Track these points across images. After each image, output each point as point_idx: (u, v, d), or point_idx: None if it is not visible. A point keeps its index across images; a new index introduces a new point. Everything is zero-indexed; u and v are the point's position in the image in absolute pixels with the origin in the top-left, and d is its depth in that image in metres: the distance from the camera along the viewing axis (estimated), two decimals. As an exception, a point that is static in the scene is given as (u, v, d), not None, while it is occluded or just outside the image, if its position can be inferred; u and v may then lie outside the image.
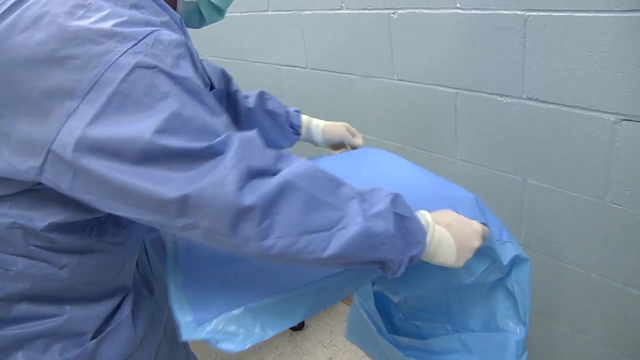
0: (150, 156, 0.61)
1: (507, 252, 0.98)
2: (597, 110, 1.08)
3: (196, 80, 0.66)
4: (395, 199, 0.74)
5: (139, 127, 0.60)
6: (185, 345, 1.16)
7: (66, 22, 0.63)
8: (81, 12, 0.64)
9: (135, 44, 0.63)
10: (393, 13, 1.43)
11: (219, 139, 0.63)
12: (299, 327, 2.10)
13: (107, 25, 0.63)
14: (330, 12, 1.64)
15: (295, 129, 1.28)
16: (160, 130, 0.60)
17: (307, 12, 1.73)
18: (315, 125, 1.30)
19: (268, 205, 0.62)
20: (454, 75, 1.34)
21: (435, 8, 1.31)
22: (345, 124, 1.30)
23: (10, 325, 0.76)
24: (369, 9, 1.50)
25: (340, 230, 0.66)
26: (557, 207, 1.24)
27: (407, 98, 1.51)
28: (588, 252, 1.23)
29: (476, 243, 0.82)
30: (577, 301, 1.31)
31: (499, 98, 1.26)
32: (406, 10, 1.39)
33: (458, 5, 1.25)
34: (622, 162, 1.08)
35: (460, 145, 1.42)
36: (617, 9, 0.97)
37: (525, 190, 1.30)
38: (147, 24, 0.67)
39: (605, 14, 0.99)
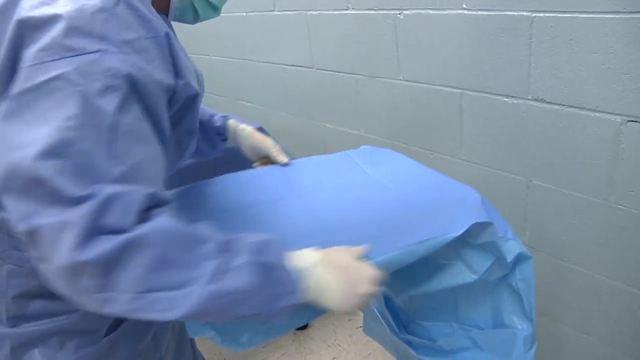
0: (20, 178, 0.57)
1: (510, 250, 0.99)
2: (603, 112, 1.08)
3: (115, 119, 0.61)
4: (263, 246, 0.69)
5: (27, 138, 0.58)
6: (192, 343, 1.17)
7: (26, 13, 0.63)
8: (43, 7, 0.64)
9: (73, 57, 0.60)
10: (399, 14, 1.44)
11: (88, 190, 0.57)
12: (303, 326, 2.10)
13: (60, 26, 0.62)
14: (336, 12, 1.64)
15: (221, 135, 1.21)
16: (44, 154, 0.57)
17: (313, 13, 1.74)
18: (241, 129, 1.23)
19: (108, 262, 0.57)
20: (460, 76, 1.35)
21: (442, 9, 1.32)
22: (273, 141, 1.25)
23: (26, 323, 0.77)
24: (375, 10, 1.50)
25: (188, 291, 0.60)
26: (561, 208, 1.25)
27: (412, 98, 1.52)
28: (592, 252, 1.23)
29: (363, 289, 0.75)
30: (580, 301, 1.32)
31: (504, 99, 1.26)
32: (412, 11, 1.40)
33: (464, 6, 1.26)
34: (627, 163, 1.08)
35: (465, 145, 1.42)
36: (624, 11, 0.98)
37: (530, 191, 1.31)
38: (101, 39, 0.63)
39: (612, 15, 1.00)
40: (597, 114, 1.09)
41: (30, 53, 0.61)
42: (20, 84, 0.60)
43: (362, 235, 0.90)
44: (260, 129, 1.86)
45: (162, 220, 0.62)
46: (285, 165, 1.23)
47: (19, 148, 0.58)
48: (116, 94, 0.61)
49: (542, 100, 1.18)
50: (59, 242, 0.56)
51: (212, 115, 1.20)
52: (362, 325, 1.99)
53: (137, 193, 0.61)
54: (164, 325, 0.97)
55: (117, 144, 0.61)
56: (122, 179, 0.60)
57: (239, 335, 0.81)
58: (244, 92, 2.37)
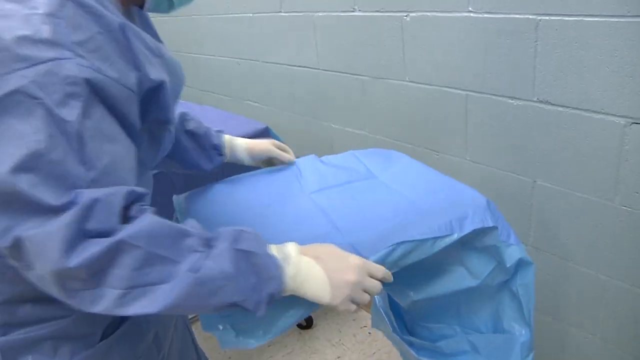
0: None
1: (512, 255, 1.00)
2: (607, 114, 1.09)
3: (80, 126, 0.61)
4: (239, 235, 0.70)
5: None
6: (195, 342, 1.17)
7: None
8: None
9: (27, 67, 0.59)
10: (406, 16, 1.45)
11: (67, 197, 0.59)
12: (308, 325, 2.12)
13: (8, 36, 0.59)
14: (343, 14, 1.66)
15: (218, 150, 1.21)
16: (17, 169, 0.57)
17: (320, 14, 1.75)
18: (239, 144, 1.24)
19: (96, 265, 0.59)
20: (466, 78, 1.36)
21: (448, 11, 1.33)
22: (272, 140, 1.26)
23: (17, 329, 0.76)
24: (382, 12, 1.52)
25: (172, 282, 0.63)
26: (566, 209, 1.26)
27: (418, 99, 1.53)
28: (596, 252, 1.24)
29: (351, 277, 0.75)
30: (585, 302, 1.33)
31: (509, 100, 1.27)
32: (419, 13, 1.41)
33: (470, 9, 1.27)
34: (631, 164, 1.09)
35: (470, 146, 1.43)
36: (628, 14, 0.99)
37: (534, 192, 1.32)
38: (53, 45, 0.61)
39: (616, 19, 1.01)
40: (602, 116, 1.10)
41: None
42: None
43: (371, 236, 0.92)
44: (266, 130, 1.89)
45: (146, 218, 0.64)
46: (292, 163, 1.24)
47: None
48: (77, 101, 0.61)
49: (547, 102, 1.19)
50: (46, 252, 0.58)
51: (207, 131, 1.20)
52: (367, 325, 2.00)
53: (116, 193, 0.62)
54: (166, 325, 0.96)
55: (86, 148, 0.61)
56: (97, 181, 0.62)
57: (254, 329, 0.81)
58: (251, 92, 2.38)
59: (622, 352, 1.29)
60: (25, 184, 0.57)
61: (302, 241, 0.83)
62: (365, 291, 0.77)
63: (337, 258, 0.77)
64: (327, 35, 1.77)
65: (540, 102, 1.20)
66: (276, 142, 1.25)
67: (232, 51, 2.37)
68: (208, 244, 0.68)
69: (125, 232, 0.61)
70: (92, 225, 0.59)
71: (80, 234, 0.59)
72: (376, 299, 1.29)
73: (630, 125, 1.06)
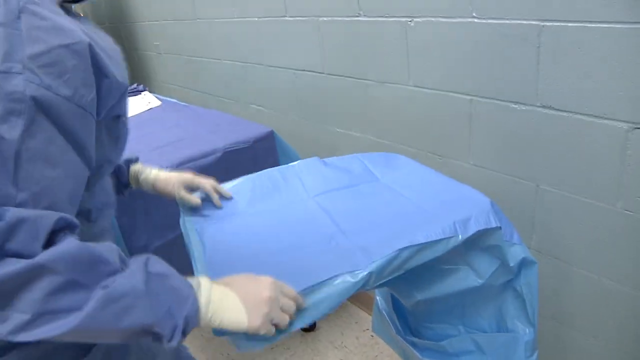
0: None
1: (515, 254, 1.01)
2: (610, 119, 1.10)
3: (19, 145, 0.59)
4: (148, 260, 0.68)
5: None
6: (187, 352, 1.15)
7: None
8: None
9: None
10: (410, 21, 1.46)
11: None
12: (311, 328, 2.13)
13: None
14: (348, 19, 1.67)
15: (121, 178, 1.17)
16: None
17: (325, 19, 1.77)
18: (144, 178, 1.19)
19: (8, 285, 0.56)
20: (469, 83, 1.37)
21: (452, 17, 1.34)
22: (188, 175, 1.19)
23: None
24: (386, 17, 1.53)
25: (84, 305, 0.59)
26: (569, 213, 1.27)
27: (422, 104, 1.54)
28: (599, 257, 1.25)
29: (265, 293, 0.73)
30: (588, 306, 1.33)
31: (513, 105, 1.28)
32: (423, 19, 1.42)
33: (474, 14, 1.28)
34: (634, 169, 1.10)
35: (473, 150, 1.44)
36: (629, 21, 1.00)
37: (538, 196, 1.32)
38: (3, 59, 0.59)
39: (620, 25, 1.02)
40: (604, 121, 1.11)
41: None
42: None
43: (376, 238, 0.93)
44: (271, 133, 1.90)
45: (67, 244, 0.61)
46: (229, 199, 1.17)
47: None
48: (20, 118, 0.59)
49: (550, 107, 1.20)
50: None
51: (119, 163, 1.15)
52: (369, 328, 2.01)
53: (45, 217, 0.60)
54: None
55: (21, 170, 0.59)
56: (28, 203, 0.59)
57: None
58: (256, 96, 2.40)
59: (625, 356, 1.30)
60: None
61: (307, 243, 0.84)
62: (283, 311, 0.75)
63: (248, 280, 0.76)
64: (332, 40, 1.78)
65: (544, 107, 1.22)
66: (191, 177, 1.18)
67: (237, 55, 2.38)
68: (121, 267, 0.66)
69: (45, 256, 0.58)
70: (13, 245, 0.57)
71: (0, 251, 0.56)
72: (378, 301, 1.30)
73: (633, 130, 1.07)
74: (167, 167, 1.25)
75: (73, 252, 0.60)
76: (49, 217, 0.61)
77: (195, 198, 1.14)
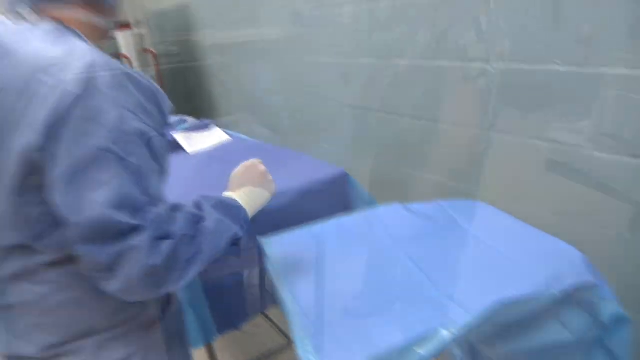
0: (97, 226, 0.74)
1: (608, 310, 0.97)
2: None
3: (138, 166, 0.79)
4: (204, 199, 0.91)
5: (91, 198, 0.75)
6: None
7: None
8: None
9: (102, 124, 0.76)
10: (491, 68, 1.47)
11: (138, 219, 0.76)
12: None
13: None
14: (424, 61, 1.69)
15: None
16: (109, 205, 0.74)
17: (402, 62, 1.79)
18: None
19: (169, 260, 0.77)
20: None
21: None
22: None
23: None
24: (466, 62, 1.54)
25: (202, 246, 0.84)
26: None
27: (500, 150, 1.52)
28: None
29: (260, 170, 1.07)
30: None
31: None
32: (506, 64, 1.42)
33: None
34: None
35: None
36: None
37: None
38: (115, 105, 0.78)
39: None
40: None
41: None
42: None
43: (467, 291, 0.92)
44: (344, 175, 1.89)
45: (183, 216, 0.83)
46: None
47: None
48: (139, 147, 0.79)
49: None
50: (133, 260, 0.74)
51: None
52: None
53: (165, 208, 0.81)
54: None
55: (143, 182, 0.79)
56: (153, 203, 0.79)
57: None
58: (325, 134, 2.45)
59: None
60: (114, 215, 0.74)
61: (393, 288, 0.84)
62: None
63: (245, 174, 1.06)
64: (407, 82, 1.81)
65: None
66: None
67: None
68: (201, 214, 0.88)
69: (178, 230, 0.80)
70: (158, 233, 0.77)
71: (154, 242, 0.76)
72: (457, 353, 1.27)
73: None
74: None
75: (188, 220, 0.84)
76: (166, 206, 0.82)
77: None
